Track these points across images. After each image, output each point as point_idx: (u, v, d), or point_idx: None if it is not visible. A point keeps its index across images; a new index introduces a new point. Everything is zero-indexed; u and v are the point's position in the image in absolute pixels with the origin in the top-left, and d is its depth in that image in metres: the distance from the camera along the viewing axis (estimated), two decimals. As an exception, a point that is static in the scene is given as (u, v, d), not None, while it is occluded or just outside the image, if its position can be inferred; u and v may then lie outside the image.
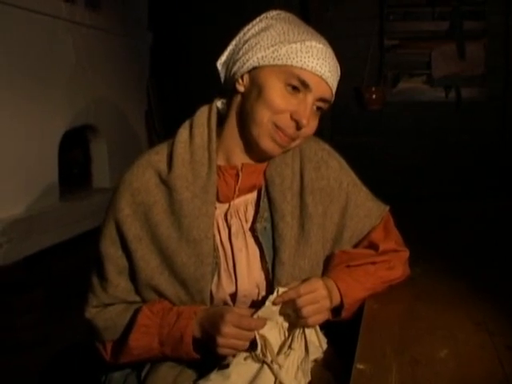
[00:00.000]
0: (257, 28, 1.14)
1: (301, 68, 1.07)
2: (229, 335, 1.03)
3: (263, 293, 1.15)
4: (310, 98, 1.09)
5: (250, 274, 1.15)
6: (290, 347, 1.08)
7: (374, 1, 3.63)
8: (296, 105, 1.09)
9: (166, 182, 1.14)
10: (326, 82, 1.09)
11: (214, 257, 1.13)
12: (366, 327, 1.06)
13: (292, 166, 1.18)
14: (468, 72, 3.54)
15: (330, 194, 1.20)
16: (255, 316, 1.06)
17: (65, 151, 2.83)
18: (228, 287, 1.14)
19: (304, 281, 1.11)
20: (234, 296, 1.15)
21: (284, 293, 1.07)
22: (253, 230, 1.16)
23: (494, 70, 3.53)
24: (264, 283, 1.15)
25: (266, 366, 1.06)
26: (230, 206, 1.17)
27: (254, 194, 1.19)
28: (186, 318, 1.09)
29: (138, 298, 1.17)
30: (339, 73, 1.14)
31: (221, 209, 1.17)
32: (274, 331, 1.08)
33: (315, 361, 1.14)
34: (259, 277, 1.15)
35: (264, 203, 1.17)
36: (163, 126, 3.79)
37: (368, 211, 1.24)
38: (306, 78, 1.07)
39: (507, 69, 3.53)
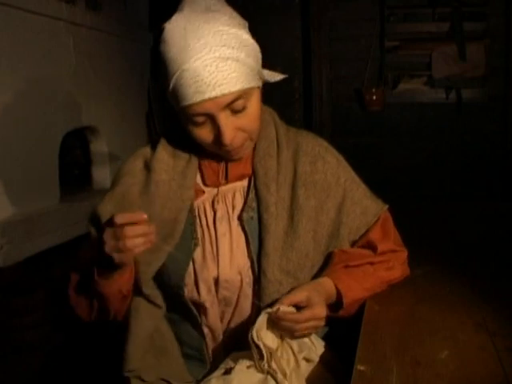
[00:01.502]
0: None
1: (189, 106, 1.04)
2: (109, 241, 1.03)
3: (247, 280, 1.15)
4: (218, 118, 1.05)
5: (232, 260, 1.15)
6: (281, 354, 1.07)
7: (375, 2, 3.63)
8: (211, 132, 1.08)
9: (147, 166, 1.20)
10: (222, 94, 1.02)
11: (192, 238, 1.16)
12: (366, 329, 1.06)
13: (277, 158, 1.19)
14: (468, 73, 3.53)
15: (327, 189, 1.20)
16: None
17: (65, 152, 2.83)
18: (212, 270, 1.15)
19: (305, 288, 1.10)
20: (216, 280, 1.15)
21: (283, 313, 1.04)
22: (240, 218, 1.17)
23: (495, 71, 3.53)
24: (249, 272, 1.15)
25: (270, 377, 1.06)
26: (218, 191, 1.19)
27: (244, 183, 1.21)
28: None
29: None
30: (238, 58, 1.02)
31: (209, 193, 1.20)
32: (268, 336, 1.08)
33: (318, 363, 1.14)
34: (243, 264, 1.15)
35: (252, 193, 1.18)
36: (164, 127, 3.79)
37: (364, 209, 1.24)
38: (200, 110, 1.04)
39: (508, 70, 3.53)
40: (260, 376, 1.06)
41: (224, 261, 1.15)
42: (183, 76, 1.01)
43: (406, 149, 3.69)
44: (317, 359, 1.14)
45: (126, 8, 3.32)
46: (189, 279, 1.15)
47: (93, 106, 2.89)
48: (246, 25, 1.10)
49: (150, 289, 1.15)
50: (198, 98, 1.01)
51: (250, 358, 1.07)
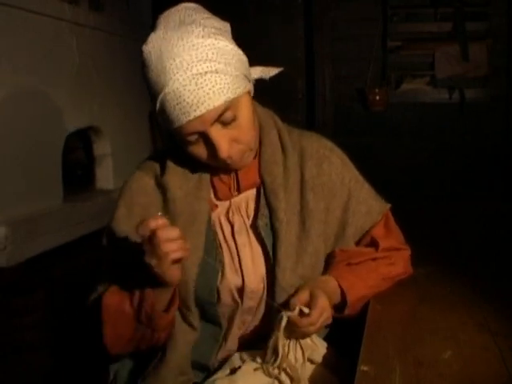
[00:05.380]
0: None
1: (177, 128, 1.02)
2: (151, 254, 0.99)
3: (266, 286, 1.15)
4: (210, 133, 1.03)
5: (255, 270, 1.15)
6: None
7: (377, 2, 3.63)
8: (206, 148, 1.07)
9: (160, 184, 1.17)
10: (207, 111, 0.99)
11: (216, 253, 1.14)
12: (369, 329, 1.06)
13: (284, 163, 1.18)
14: (471, 73, 3.53)
15: (333, 189, 1.21)
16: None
17: (68, 152, 2.84)
18: (234, 283, 1.14)
19: (306, 286, 1.10)
20: (241, 291, 1.15)
21: (298, 319, 1.04)
22: (255, 226, 1.17)
23: (497, 71, 3.53)
24: (267, 279, 1.15)
25: (277, 383, 1.05)
26: (231, 203, 1.18)
27: (254, 190, 1.20)
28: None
29: None
30: (217, 70, 0.99)
31: (222, 206, 1.19)
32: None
33: (321, 364, 1.14)
34: (264, 273, 1.16)
35: (263, 200, 1.18)
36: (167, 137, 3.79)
37: (369, 208, 1.24)
38: (189, 130, 1.02)
39: (510, 70, 3.53)
40: (267, 380, 1.06)
41: (248, 271, 1.14)
42: (166, 100, 1.00)
43: (408, 149, 3.69)
44: (320, 360, 1.14)
45: (128, 8, 3.32)
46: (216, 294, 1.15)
47: (96, 106, 2.89)
48: (227, 28, 1.07)
49: (189, 308, 1.14)
50: (183, 120, 1.00)
51: (257, 359, 1.07)
